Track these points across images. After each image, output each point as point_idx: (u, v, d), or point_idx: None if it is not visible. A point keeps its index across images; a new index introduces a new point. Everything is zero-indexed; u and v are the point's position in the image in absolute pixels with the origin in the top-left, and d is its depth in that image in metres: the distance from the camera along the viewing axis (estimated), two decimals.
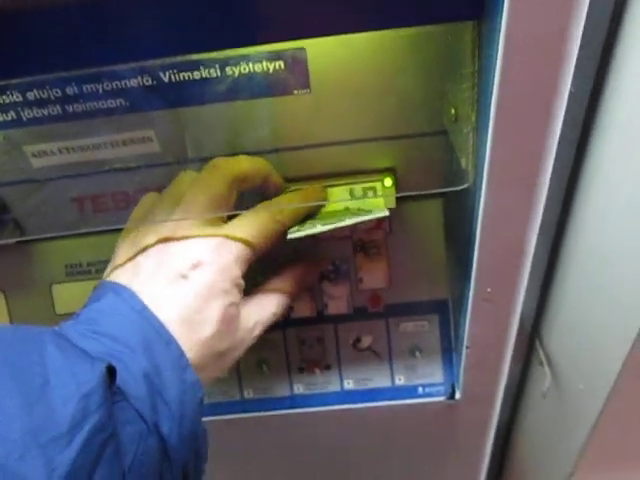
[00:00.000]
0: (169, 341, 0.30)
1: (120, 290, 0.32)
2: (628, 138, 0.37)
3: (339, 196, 0.39)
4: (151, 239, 0.34)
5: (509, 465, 0.78)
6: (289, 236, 0.36)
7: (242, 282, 0.35)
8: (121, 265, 0.34)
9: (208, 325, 0.32)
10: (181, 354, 0.31)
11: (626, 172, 0.38)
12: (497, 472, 0.80)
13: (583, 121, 0.40)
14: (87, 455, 0.24)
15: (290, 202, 0.38)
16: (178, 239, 0.34)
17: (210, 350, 0.32)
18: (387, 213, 0.36)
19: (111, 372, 0.27)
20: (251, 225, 0.35)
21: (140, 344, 0.29)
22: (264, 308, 0.37)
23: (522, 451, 0.72)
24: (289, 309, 0.42)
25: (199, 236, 0.34)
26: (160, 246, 0.34)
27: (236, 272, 0.34)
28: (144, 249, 0.34)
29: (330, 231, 0.36)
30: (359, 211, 0.38)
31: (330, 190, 0.39)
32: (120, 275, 0.33)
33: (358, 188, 0.39)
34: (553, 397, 0.57)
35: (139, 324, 0.30)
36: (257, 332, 0.36)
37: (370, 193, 0.38)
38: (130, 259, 0.34)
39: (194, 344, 0.32)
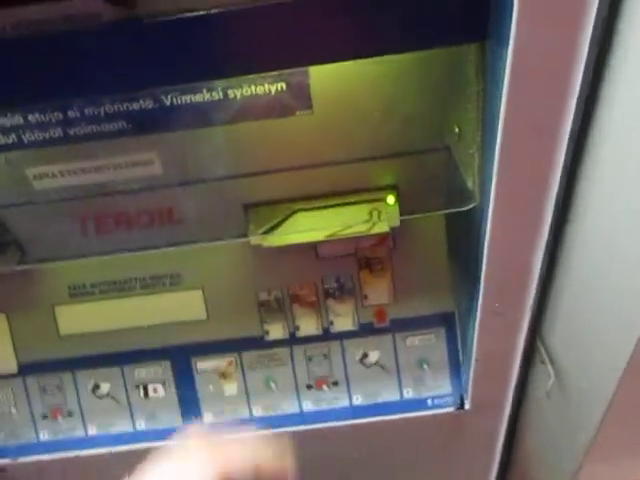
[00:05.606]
0: None
1: None
2: (623, 151, 0.37)
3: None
4: None
5: (514, 464, 0.78)
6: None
7: None
8: None
9: None
10: None
11: (623, 178, 0.38)
12: (503, 472, 0.80)
13: (577, 134, 0.40)
14: None
15: None
16: None
17: None
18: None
19: None
20: None
21: None
22: None
23: (527, 450, 0.73)
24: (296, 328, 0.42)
25: None
26: None
27: None
28: None
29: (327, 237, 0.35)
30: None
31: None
32: None
33: (363, 210, 0.39)
34: (557, 396, 0.57)
35: None
36: None
37: (375, 213, 0.38)
38: None
39: None
